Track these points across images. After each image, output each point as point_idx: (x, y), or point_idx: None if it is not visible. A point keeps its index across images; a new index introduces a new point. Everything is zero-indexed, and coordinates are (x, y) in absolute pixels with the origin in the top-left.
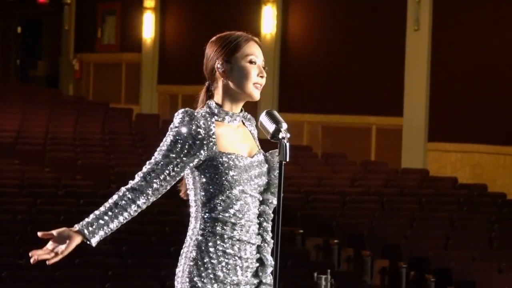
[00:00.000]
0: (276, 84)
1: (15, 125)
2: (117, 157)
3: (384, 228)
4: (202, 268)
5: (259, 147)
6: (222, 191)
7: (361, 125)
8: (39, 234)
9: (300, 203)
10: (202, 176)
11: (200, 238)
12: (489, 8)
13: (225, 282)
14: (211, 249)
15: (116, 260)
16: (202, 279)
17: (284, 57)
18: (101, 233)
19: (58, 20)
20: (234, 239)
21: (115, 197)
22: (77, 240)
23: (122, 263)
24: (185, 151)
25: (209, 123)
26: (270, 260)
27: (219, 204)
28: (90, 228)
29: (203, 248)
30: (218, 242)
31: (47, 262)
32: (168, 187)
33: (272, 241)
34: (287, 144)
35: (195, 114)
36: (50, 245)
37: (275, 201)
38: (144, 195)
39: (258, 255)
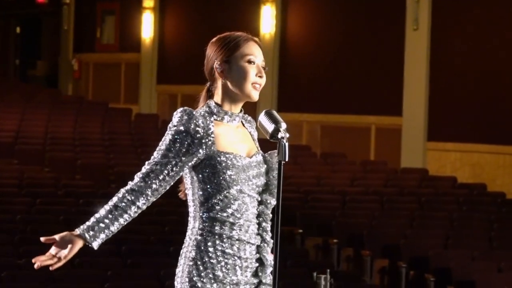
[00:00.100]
0: (275, 84)
1: (15, 125)
2: (117, 157)
3: (384, 228)
4: (201, 268)
5: (259, 149)
6: (220, 190)
7: (361, 124)
8: (42, 239)
9: (299, 202)
10: (200, 175)
11: (199, 238)
12: (488, 7)
13: (224, 282)
14: (210, 249)
15: (116, 260)
16: (202, 279)
17: (283, 56)
18: (102, 236)
19: (57, 20)
20: (233, 239)
21: (114, 199)
22: (79, 244)
23: (121, 263)
24: (184, 150)
25: (208, 122)
26: (269, 260)
27: (217, 204)
28: (91, 232)
29: (202, 248)
30: (217, 242)
31: (50, 268)
32: (168, 187)
33: (272, 241)
34: (286, 144)
35: (194, 113)
36: (53, 250)
37: (273, 202)
38: (144, 196)
39: (257, 255)
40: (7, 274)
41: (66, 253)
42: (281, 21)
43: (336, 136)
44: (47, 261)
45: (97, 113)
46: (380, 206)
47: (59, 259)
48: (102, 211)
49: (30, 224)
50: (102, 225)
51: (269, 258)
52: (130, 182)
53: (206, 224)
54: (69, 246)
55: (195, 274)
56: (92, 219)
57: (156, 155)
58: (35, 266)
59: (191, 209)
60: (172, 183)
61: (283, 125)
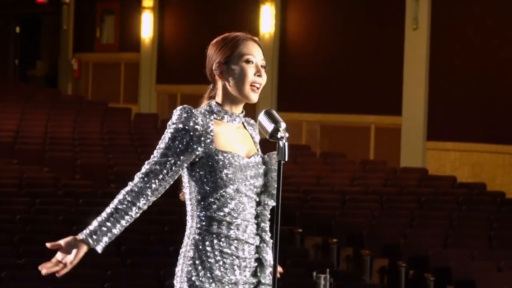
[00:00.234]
0: (275, 84)
1: (14, 124)
2: (116, 157)
3: (383, 227)
4: (199, 267)
5: (259, 151)
6: (217, 189)
7: (360, 124)
8: (48, 245)
9: (299, 202)
10: (197, 174)
11: (197, 237)
12: (488, 6)
13: (223, 281)
14: (208, 248)
15: (115, 260)
16: (200, 278)
17: (282, 56)
18: (105, 239)
19: (56, 20)
20: (230, 238)
21: (115, 201)
22: (84, 249)
23: (121, 262)
24: (183, 148)
25: (207, 120)
26: (269, 261)
27: (213, 203)
28: (94, 236)
29: (200, 247)
30: (215, 241)
31: (57, 274)
32: (168, 186)
33: (272, 241)
34: (286, 144)
35: (193, 111)
36: (59, 255)
37: (271, 203)
38: (144, 196)
39: (256, 255)
40: (7, 274)
41: (72, 259)
42: (281, 21)
43: (335, 135)
44: (54, 268)
45: (96, 113)
46: (380, 206)
47: (65, 265)
48: (103, 214)
49: (29, 224)
50: (104, 228)
51: (268, 258)
52: (130, 183)
53: (204, 223)
54: (74, 251)
55: (193, 274)
56: (94, 223)
57: (156, 154)
58: (43, 273)
59: (188, 208)
60: (172, 182)
61: (283, 125)
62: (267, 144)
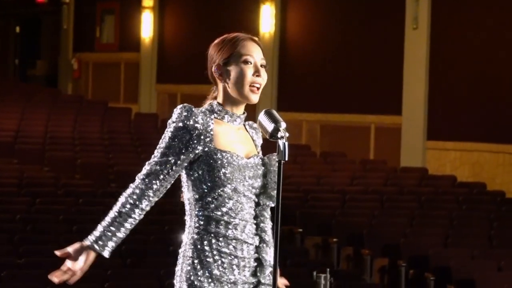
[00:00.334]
0: (275, 83)
1: (14, 124)
2: (116, 156)
3: (384, 227)
4: (198, 267)
5: (260, 153)
6: (214, 188)
7: (360, 123)
8: (57, 253)
9: (299, 202)
10: (196, 173)
11: (195, 236)
12: (488, 6)
13: (221, 280)
14: (207, 248)
15: (115, 260)
16: (199, 278)
17: (282, 56)
18: (111, 244)
19: (56, 20)
20: (229, 238)
21: (118, 204)
22: (92, 255)
23: (121, 262)
24: (183, 147)
25: (207, 119)
26: (268, 261)
27: (211, 202)
28: (100, 242)
29: (198, 246)
30: (213, 240)
31: (68, 282)
32: (169, 185)
33: (272, 240)
34: (286, 143)
35: (194, 109)
36: (69, 263)
37: (270, 204)
38: (146, 197)
39: (256, 255)
40: (7, 273)
41: (82, 266)
42: (281, 21)
43: (335, 135)
44: (64, 276)
45: (96, 112)
46: (380, 205)
47: (76, 272)
48: (107, 219)
49: (29, 224)
50: (109, 233)
51: (268, 258)
52: (131, 185)
53: (202, 223)
54: (83, 258)
55: (192, 273)
56: (99, 228)
57: (156, 154)
58: (54, 281)
59: (187, 208)
60: (173, 181)
61: (283, 125)
62: (268, 144)
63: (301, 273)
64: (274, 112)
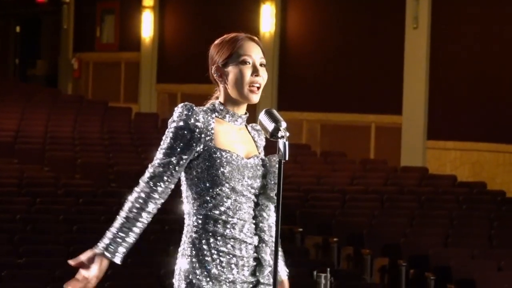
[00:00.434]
0: (275, 83)
1: (14, 124)
2: (116, 156)
3: (384, 226)
4: (197, 265)
5: (261, 154)
6: (213, 187)
7: (360, 123)
8: (71, 262)
9: (299, 201)
10: (194, 171)
11: (194, 235)
12: (488, 5)
13: (220, 279)
14: (205, 247)
15: None
16: (197, 276)
17: (283, 55)
18: (122, 249)
19: (57, 19)
20: (226, 237)
21: (125, 209)
22: (105, 262)
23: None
24: (185, 146)
25: (208, 117)
26: (268, 261)
27: (209, 201)
28: (111, 249)
29: (197, 245)
30: (211, 239)
31: None
32: (173, 186)
33: (271, 240)
34: (287, 143)
35: (195, 108)
36: (84, 272)
37: (269, 205)
38: (152, 200)
39: (255, 255)
40: (7, 273)
41: (96, 273)
42: (281, 20)
43: (336, 135)
44: (80, 284)
45: (97, 112)
46: (380, 205)
47: (91, 280)
48: (116, 225)
49: (30, 224)
50: (118, 239)
51: (267, 258)
52: (136, 189)
53: (200, 222)
54: (97, 266)
55: (191, 272)
56: (109, 235)
57: (158, 155)
58: None
59: (185, 206)
60: (177, 181)
61: (283, 124)
62: (268, 143)
63: (301, 272)
64: (275, 111)
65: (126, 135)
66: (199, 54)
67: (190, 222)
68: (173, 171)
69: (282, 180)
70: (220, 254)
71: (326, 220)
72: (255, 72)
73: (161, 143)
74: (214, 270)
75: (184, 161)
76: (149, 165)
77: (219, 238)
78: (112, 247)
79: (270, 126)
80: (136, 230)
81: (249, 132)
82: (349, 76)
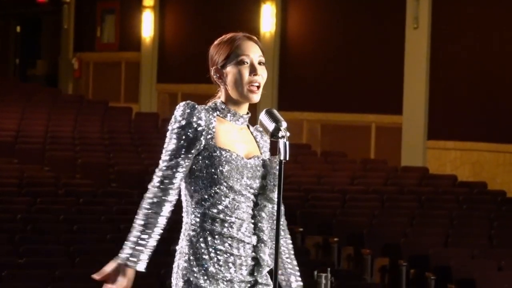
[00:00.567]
0: (276, 83)
1: (15, 124)
2: (117, 156)
3: (384, 226)
4: (194, 263)
5: (262, 154)
6: (211, 185)
7: (361, 123)
8: (96, 277)
9: (299, 201)
10: (193, 169)
11: (192, 233)
12: (489, 5)
13: (217, 277)
14: (202, 245)
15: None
16: (195, 274)
17: (283, 55)
18: (144, 256)
19: (57, 19)
20: (224, 235)
21: (141, 217)
22: (130, 271)
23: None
24: (189, 146)
25: (210, 116)
26: (266, 261)
27: (207, 200)
28: (133, 259)
29: (195, 243)
30: (209, 238)
31: None
32: (182, 185)
33: (270, 240)
34: (287, 143)
35: (197, 106)
36: (113, 286)
37: (269, 205)
38: (166, 203)
39: (253, 254)
40: (7, 273)
41: (125, 284)
42: (281, 20)
43: (336, 134)
44: None
45: (97, 112)
46: (380, 205)
47: None
48: (135, 233)
49: (30, 224)
50: (139, 248)
51: (266, 258)
52: (147, 195)
53: (198, 220)
54: (123, 277)
55: (188, 270)
56: (129, 244)
57: (165, 157)
58: None
59: (184, 204)
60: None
61: (284, 124)
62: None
63: (301, 272)
64: (275, 111)
65: (126, 135)
66: (199, 54)
67: (188, 220)
68: (181, 172)
69: (282, 180)
70: (218, 252)
71: (327, 220)
72: (253, 71)
73: (166, 144)
74: (211, 268)
75: (190, 160)
76: (156, 169)
77: (216, 236)
78: (134, 256)
79: (271, 126)
80: (155, 236)
81: (251, 132)
82: (350, 76)
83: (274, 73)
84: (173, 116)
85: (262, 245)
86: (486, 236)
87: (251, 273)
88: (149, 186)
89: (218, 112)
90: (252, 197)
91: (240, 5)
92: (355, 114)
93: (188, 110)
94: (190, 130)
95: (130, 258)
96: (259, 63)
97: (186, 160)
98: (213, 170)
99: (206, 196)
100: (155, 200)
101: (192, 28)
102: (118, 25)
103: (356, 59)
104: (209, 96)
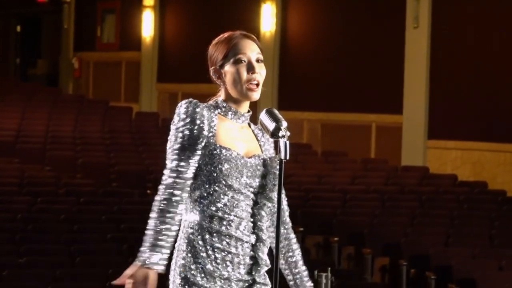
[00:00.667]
0: (276, 82)
1: (15, 124)
2: (117, 156)
3: (385, 226)
4: (191, 261)
5: (263, 152)
6: (210, 183)
7: (361, 122)
8: (117, 282)
9: (300, 201)
10: None
11: (190, 230)
12: (489, 5)
13: (214, 275)
14: (200, 242)
15: (116, 259)
16: (192, 272)
17: (283, 55)
18: (163, 257)
19: (57, 19)
20: (222, 234)
21: (156, 218)
22: (153, 273)
23: (122, 261)
24: (194, 143)
25: (212, 114)
26: (264, 260)
27: (206, 197)
28: (153, 260)
29: (193, 241)
30: (207, 235)
31: None
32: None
33: (269, 240)
34: (287, 142)
35: (198, 104)
36: None
37: (269, 204)
38: (180, 202)
39: (252, 253)
40: (8, 273)
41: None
42: (282, 20)
43: (336, 134)
44: None
45: (97, 111)
46: (381, 205)
47: None
48: (152, 235)
49: (30, 223)
50: (158, 248)
51: (264, 257)
52: (159, 197)
53: (196, 217)
54: (148, 280)
55: (186, 267)
56: (148, 246)
57: (171, 157)
58: None
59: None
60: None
61: (284, 124)
62: None
63: None
64: (275, 111)
65: (126, 135)
66: (199, 54)
67: (186, 217)
68: (189, 169)
69: (283, 179)
70: (215, 250)
71: (327, 219)
72: (251, 69)
73: (171, 142)
74: (208, 266)
75: (197, 156)
76: (165, 170)
77: (214, 234)
78: (153, 259)
79: (271, 125)
80: (172, 234)
81: (252, 131)
82: (350, 76)
83: (274, 72)
84: (176, 114)
85: (261, 244)
86: (487, 236)
87: (249, 272)
88: (160, 187)
89: (219, 110)
90: (251, 195)
91: (240, 5)
92: (355, 114)
93: (191, 108)
94: (196, 128)
95: (150, 259)
96: (257, 61)
97: (192, 157)
98: (212, 168)
99: (205, 194)
100: (167, 201)
101: (192, 28)
102: (118, 25)
103: (356, 59)
104: (209, 96)
